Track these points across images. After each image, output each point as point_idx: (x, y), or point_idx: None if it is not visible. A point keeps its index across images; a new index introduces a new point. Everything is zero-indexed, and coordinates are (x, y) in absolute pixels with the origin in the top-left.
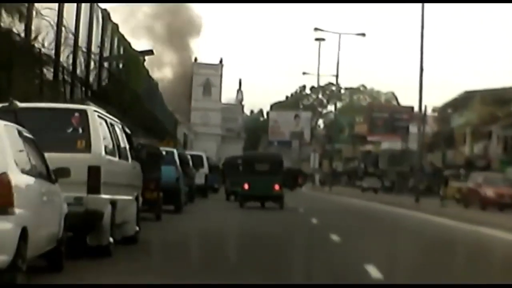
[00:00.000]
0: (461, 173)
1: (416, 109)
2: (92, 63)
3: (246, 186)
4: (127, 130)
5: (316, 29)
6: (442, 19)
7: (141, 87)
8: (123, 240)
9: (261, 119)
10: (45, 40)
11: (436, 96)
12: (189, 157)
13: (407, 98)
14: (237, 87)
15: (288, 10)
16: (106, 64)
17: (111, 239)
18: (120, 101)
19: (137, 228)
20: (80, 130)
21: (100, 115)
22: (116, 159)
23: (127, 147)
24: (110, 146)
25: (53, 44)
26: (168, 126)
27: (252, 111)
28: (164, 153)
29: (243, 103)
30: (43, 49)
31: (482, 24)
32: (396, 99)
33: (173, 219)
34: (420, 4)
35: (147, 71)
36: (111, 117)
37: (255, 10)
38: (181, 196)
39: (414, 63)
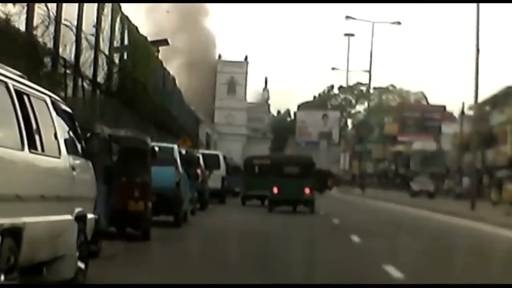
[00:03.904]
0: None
1: (448, 108)
2: (89, 49)
3: (275, 190)
4: (66, 109)
5: (347, 17)
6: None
7: (150, 78)
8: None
9: (288, 119)
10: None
11: (470, 94)
12: (199, 156)
13: (437, 98)
14: (263, 85)
15: (316, 4)
16: (102, 47)
17: None
18: (122, 91)
19: (81, 266)
20: None
21: None
22: (24, 152)
23: (61, 134)
24: (8, 129)
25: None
26: (188, 125)
27: (279, 112)
28: (156, 149)
29: (269, 102)
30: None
31: None
32: (426, 99)
33: (167, 238)
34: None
35: (161, 63)
36: (23, 81)
37: (281, 4)
38: (182, 204)
39: (447, 58)
